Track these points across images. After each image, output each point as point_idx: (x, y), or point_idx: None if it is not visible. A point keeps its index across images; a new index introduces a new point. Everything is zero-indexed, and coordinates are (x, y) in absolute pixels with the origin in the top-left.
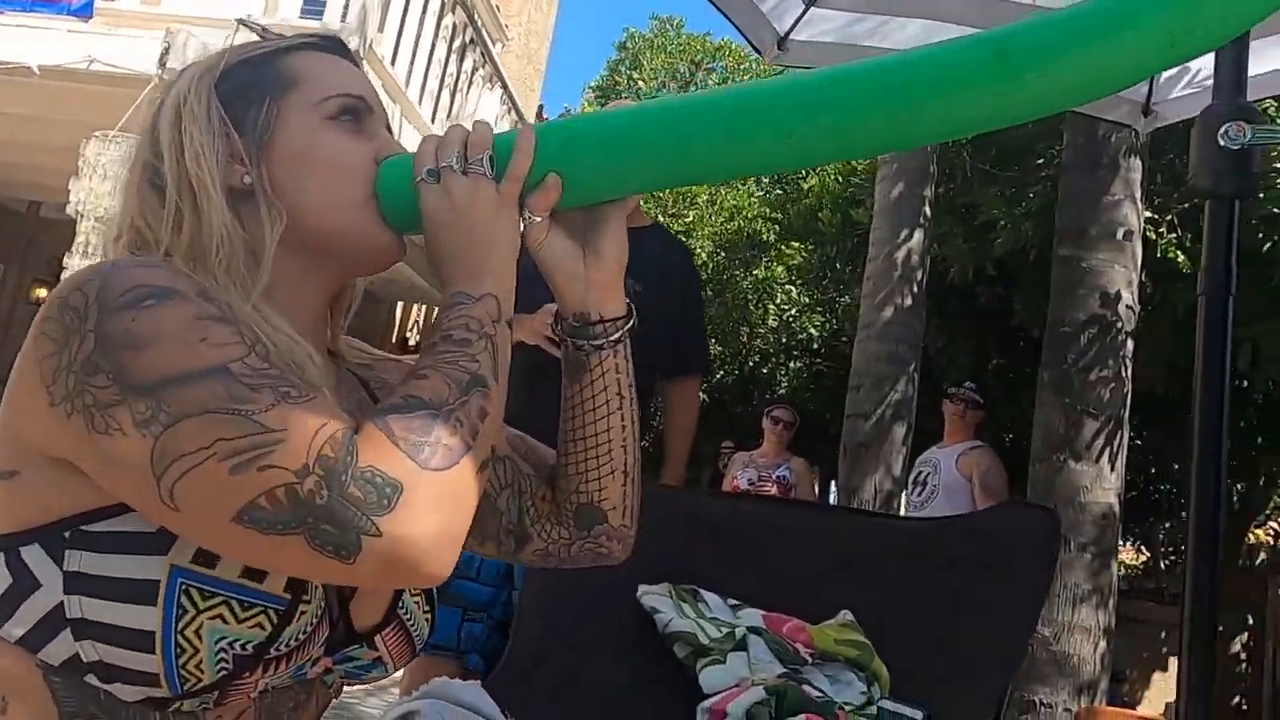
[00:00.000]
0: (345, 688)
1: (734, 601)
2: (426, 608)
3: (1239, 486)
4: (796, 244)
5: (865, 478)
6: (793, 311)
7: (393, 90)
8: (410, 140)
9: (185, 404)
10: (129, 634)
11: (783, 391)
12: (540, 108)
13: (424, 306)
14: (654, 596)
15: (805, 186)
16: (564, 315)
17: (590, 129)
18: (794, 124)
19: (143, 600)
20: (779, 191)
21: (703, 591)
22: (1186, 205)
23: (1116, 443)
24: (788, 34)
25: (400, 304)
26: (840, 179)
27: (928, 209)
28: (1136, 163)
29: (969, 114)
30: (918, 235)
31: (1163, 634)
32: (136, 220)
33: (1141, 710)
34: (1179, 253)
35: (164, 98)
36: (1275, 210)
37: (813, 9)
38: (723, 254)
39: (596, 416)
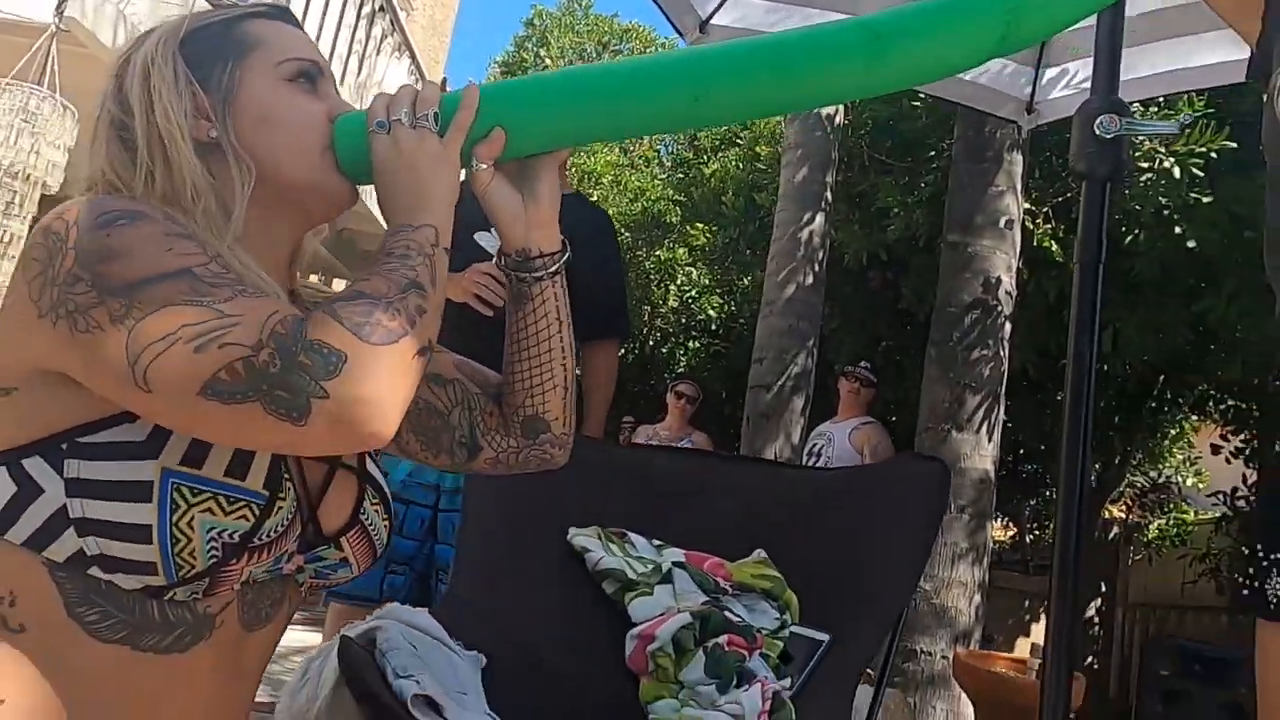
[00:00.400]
0: (278, 665)
1: (658, 542)
2: (385, 515)
3: (1097, 465)
4: (700, 225)
5: (767, 444)
6: (693, 293)
7: None
8: None
9: (153, 300)
10: (128, 529)
11: (681, 370)
12: (444, 80)
13: (315, 278)
14: (584, 538)
15: (708, 171)
16: (507, 252)
17: (529, 89)
18: (702, 89)
19: (138, 499)
20: (681, 175)
21: (629, 533)
22: (1060, 199)
23: (994, 416)
24: (709, 18)
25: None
26: (743, 164)
27: (829, 194)
28: (1018, 157)
29: (844, 85)
30: (819, 219)
31: (1026, 602)
32: (109, 174)
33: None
34: (1053, 242)
35: (130, 58)
36: (1135, 206)
37: None
38: (627, 234)
39: (540, 339)
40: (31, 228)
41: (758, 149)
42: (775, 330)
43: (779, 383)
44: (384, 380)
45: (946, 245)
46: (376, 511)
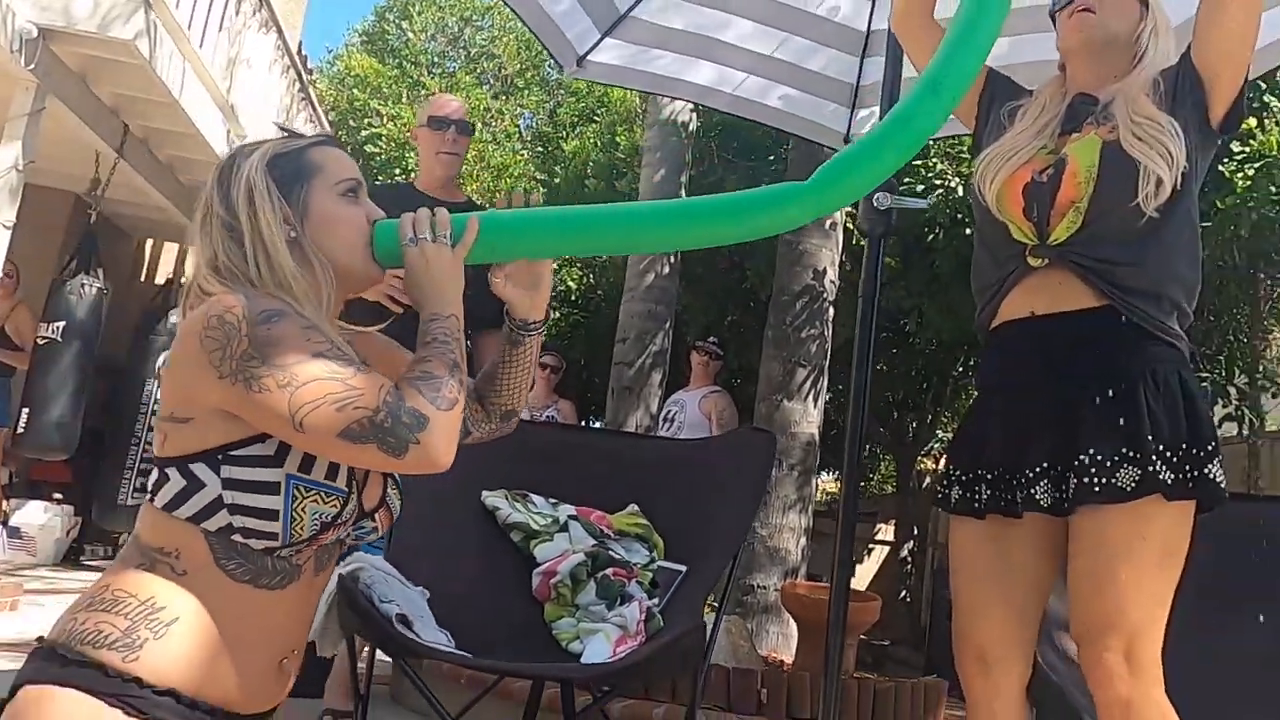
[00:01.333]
0: None
1: (553, 500)
2: (399, 496)
3: (912, 424)
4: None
5: (629, 414)
6: (554, 265)
7: (171, 28)
8: (193, 86)
9: (305, 374)
10: (262, 511)
11: (544, 340)
12: (300, 44)
13: (176, 246)
14: (493, 498)
15: (568, 149)
16: (513, 318)
17: (512, 223)
18: (638, 236)
19: (270, 493)
20: (540, 149)
21: (530, 494)
22: None
23: (819, 387)
24: (585, 55)
25: (150, 241)
26: (603, 150)
27: (683, 192)
28: None
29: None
30: None
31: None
32: (224, 260)
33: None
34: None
35: (231, 172)
36: (933, 214)
37: (606, 39)
38: (490, 209)
39: (520, 366)
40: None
41: (618, 138)
42: (636, 314)
43: (639, 360)
44: (448, 433)
45: (781, 242)
46: (394, 494)
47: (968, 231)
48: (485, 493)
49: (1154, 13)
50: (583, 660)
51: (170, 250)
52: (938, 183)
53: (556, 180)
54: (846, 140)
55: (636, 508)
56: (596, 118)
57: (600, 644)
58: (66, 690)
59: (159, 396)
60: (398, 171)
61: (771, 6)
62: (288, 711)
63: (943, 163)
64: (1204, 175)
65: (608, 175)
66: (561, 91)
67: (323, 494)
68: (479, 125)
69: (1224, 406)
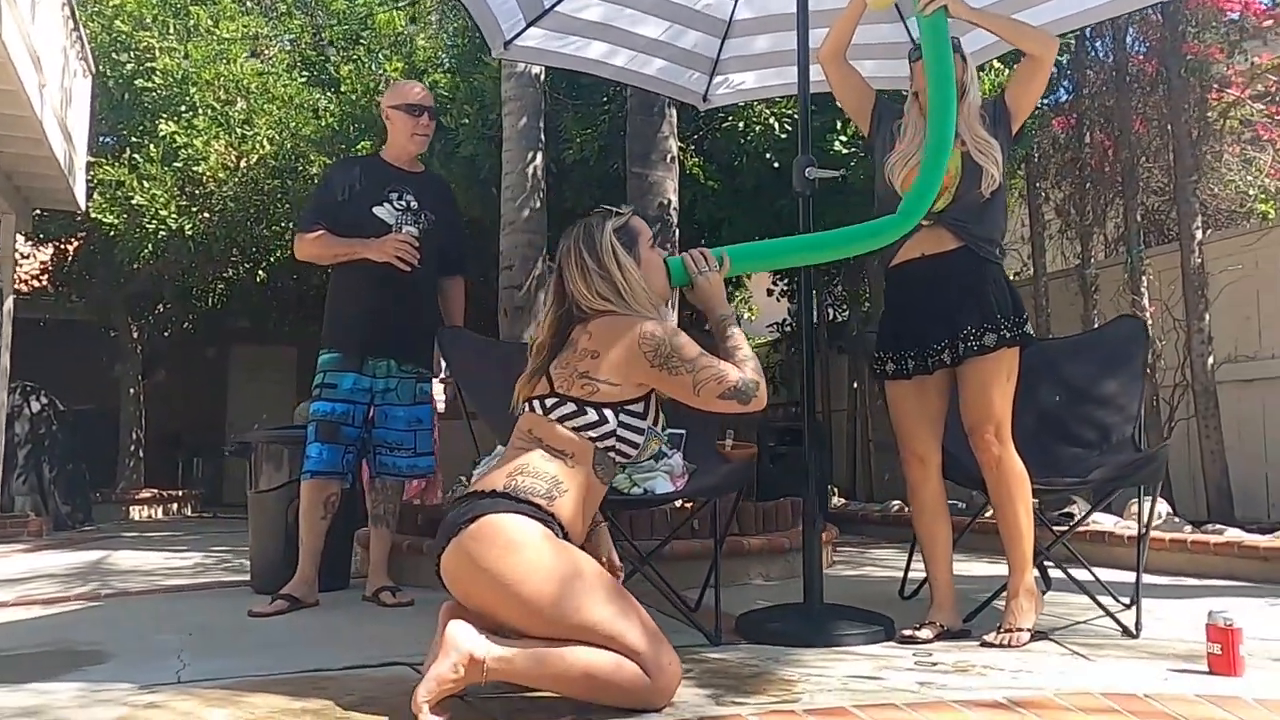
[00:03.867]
0: None
1: None
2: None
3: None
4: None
5: (524, 330)
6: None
7: None
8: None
9: (699, 364)
10: (630, 442)
11: None
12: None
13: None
14: None
15: (343, 73)
16: (710, 313)
17: (744, 254)
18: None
19: (637, 434)
20: (310, 74)
21: None
22: (697, 137)
23: (671, 301)
24: (511, 40)
25: None
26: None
27: (543, 136)
28: (673, 111)
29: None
30: (539, 156)
31: None
32: (606, 295)
33: None
34: (698, 169)
35: (589, 237)
36: (742, 142)
37: (531, 28)
38: (315, 156)
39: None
40: None
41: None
42: (518, 244)
43: (526, 283)
44: (763, 390)
45: (631, 175)
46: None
47: (768, 155)
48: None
49: (969, 66)
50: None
51: None
52: (755, 121)
53: (332, 106)
54: (705, 100)
55: None
56: (363, 40)
57: (663, 483)
58: (517, 516)
59: (582, 370)
60: (184, 108)
61: (659, 1)
62: (334, 600)
63: (760, 105)
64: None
65: None
66: (320, 13)
67: (657, 438)
68: (251, 54)
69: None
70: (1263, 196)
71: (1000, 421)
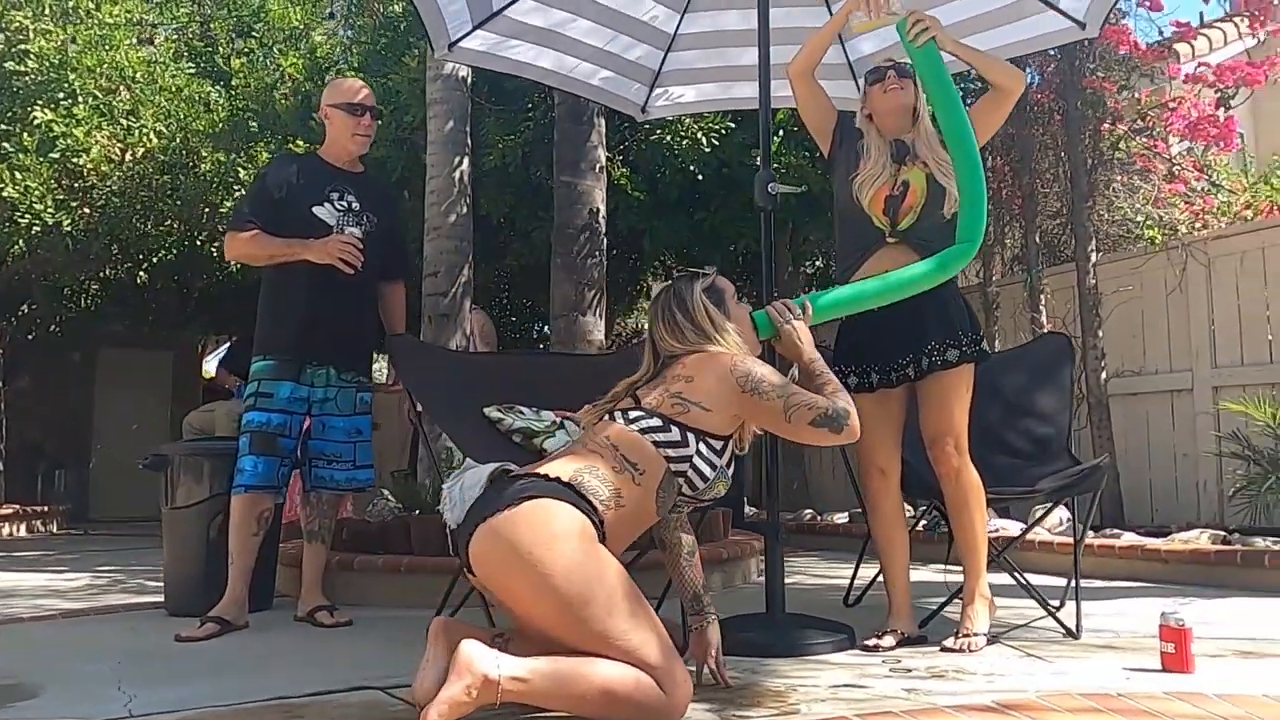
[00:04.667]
0: None
1: (535, 409)
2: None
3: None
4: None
5: (450, 338)
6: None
7: None
8: None
9: (788, 392)
10: (702, 474)
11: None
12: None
13: None
14: (493, 411)
15: (234, 66)
16: (793, 359)
17: (826, 303)
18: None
19: (711, 467)
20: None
21: (516, 405)
22: (624, 147)
23: (601, 303)
24: (455, 42)
25: None
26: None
27: (469, 140)
28: (602, 121)
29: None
30: (465, 161)
31: None
32: (697, 341)
33: None
34: (625, 180)
35: (686, 302)
36: (668, 155)
37: (477, 31)
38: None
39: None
40: None
41: (317, 54)
42: (444, 250)
43: (451, 290)
44: (855, 419)
45: (560, 184)
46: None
47: (692, 168)
48: (485, 409)
49: (917, 86)
50: None
51: None
52: (683, 135)
53: (223, 100)
54: (643, 111)
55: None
56: (255, 33)
57: None
58: (572, 509)
59: (675, 390)
60: (61, 95)
61: (607, 12)
62: (263, 622)
63: (690, 120)
64: None
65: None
66: (209, 1)
67: (724, 481)
68: (135, 41)
69: None
70: (1149, 223)
71: (959, 434)
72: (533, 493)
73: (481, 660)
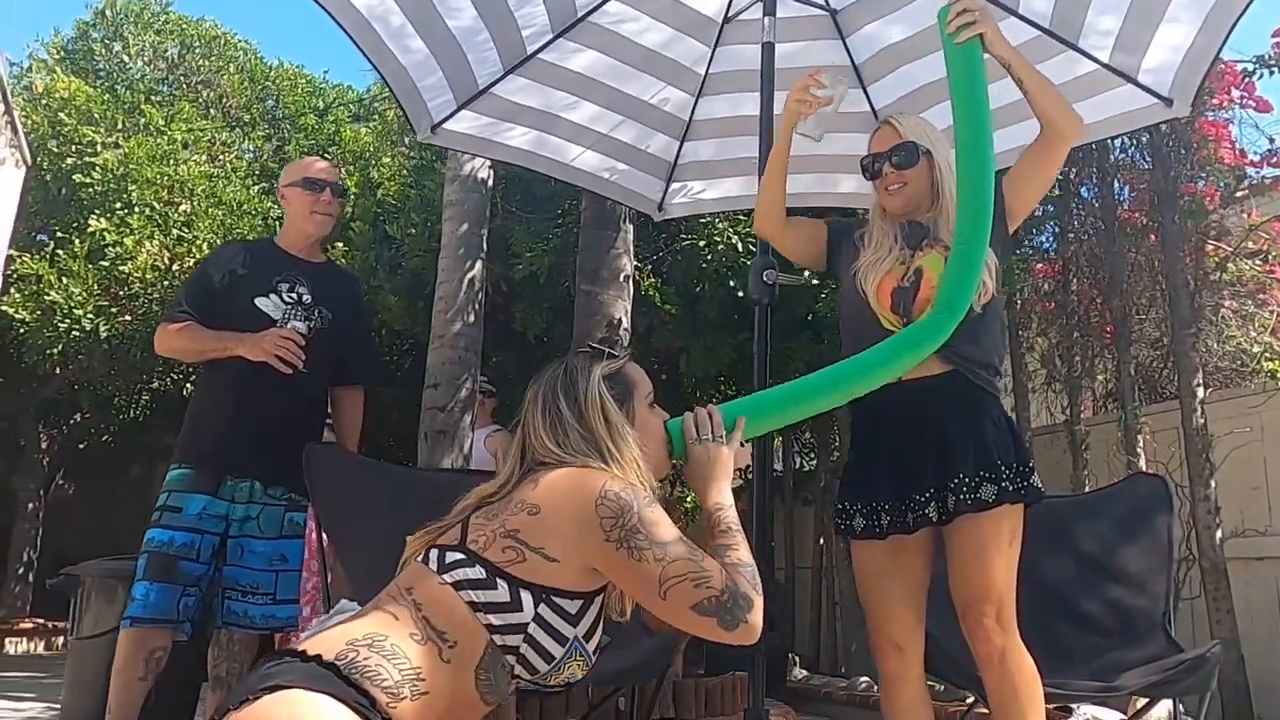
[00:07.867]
0: None
1: None
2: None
3: None
4: (337, 247)
5: (445, 456)
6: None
7: None
8: None
9: (673, 553)
10: (545, 653)
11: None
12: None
13: None
14: None
15: None
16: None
17: (759, 408)
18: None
19: (560, 643)
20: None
21: None
22: (656, 259)
23: None
24: (439, 123)
25: None
26: (364, 195)
27: (485, 245)
28: (630, 227)
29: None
30: (478, 265)
31: None
32: (571, 447)
33: None
34: (655, 291)
35: (575, 390)
36: (704, 266)
37: (463, 111)
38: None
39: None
40: None
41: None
42: (446, 360)
43: (449, 404)
44: (760, 611)
45: (580, 293)
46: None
47: (732, 283)
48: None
49: (935, 157)
50: None
51: None
52: (717, 240)
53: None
54: (660, 209)
55: None
56: (328, 156)
57: None
58: (334, 705)
59: (512, 527)
60: (119, 205)
61: (614, 94)
62: None
63: (722, 222)
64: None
65: (372, 219)
66: (287, 126)
67: (583, 660)
68: (206, 158)
69: None
70: (1268, 355)
71: (1003, 600)
72: (278, 681)
73: None
